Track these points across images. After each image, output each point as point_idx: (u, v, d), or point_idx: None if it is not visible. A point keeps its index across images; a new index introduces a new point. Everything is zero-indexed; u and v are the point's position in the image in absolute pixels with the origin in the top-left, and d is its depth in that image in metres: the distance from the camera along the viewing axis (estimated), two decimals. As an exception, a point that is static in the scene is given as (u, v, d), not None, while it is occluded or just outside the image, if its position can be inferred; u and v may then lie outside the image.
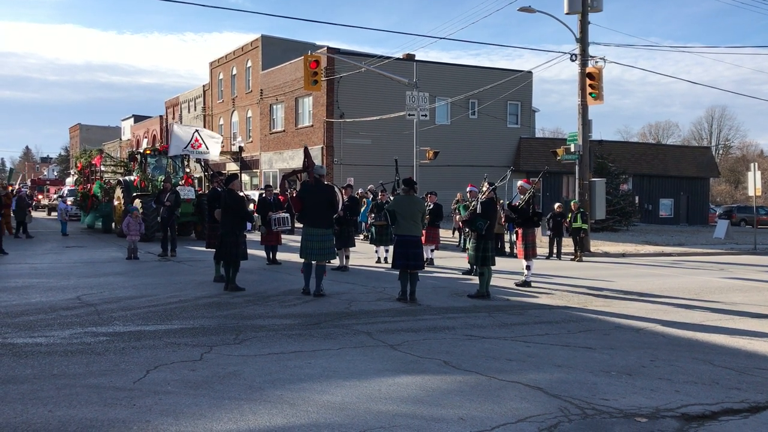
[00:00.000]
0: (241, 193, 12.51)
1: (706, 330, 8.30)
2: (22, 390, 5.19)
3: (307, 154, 11.00)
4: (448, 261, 16.44)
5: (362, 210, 20.36)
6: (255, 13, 54.61)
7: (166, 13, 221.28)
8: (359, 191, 22.18)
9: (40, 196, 46.31)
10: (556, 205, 19.26)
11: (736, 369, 6.36)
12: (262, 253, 14.99)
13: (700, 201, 44.20)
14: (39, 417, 4.59)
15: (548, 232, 18.95)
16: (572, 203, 19.66)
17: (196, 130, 22.15)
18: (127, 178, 23.33)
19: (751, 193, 24.98)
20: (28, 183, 49.66)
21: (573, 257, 18.43)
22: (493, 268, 10.82)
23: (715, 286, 13.09)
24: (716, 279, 14.39)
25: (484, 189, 11.37)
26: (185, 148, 21.45)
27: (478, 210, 10.72)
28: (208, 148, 21.63)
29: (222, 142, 23.41)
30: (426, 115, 27.24)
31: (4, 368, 5.83)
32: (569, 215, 19.07)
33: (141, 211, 20.05)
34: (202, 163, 19.51)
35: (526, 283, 12.06)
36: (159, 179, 21.80)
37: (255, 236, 17.52)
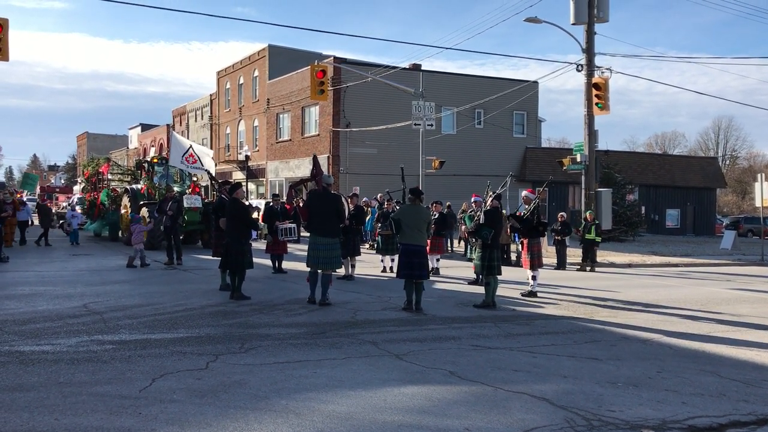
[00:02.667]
0: (246, 202, 12.54)
1: (713, 341, 8.26)
2: (28, 398, 5.21)
3: (315, 163, 11.05)
4: (454, 270, 16.41)
5: (367, 219, 20.38)
6: (261, 23, 54.98)
7: (172, 23, 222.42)
8: (363, 200, 22.21)
9: (49, 204, 46.37)
10: (559, 214, 19.23)
11: (744, 381, 6.33)
12: (268, 262, 15.01)
13: (706, 211, 44.06)
14: (45, 425, 4.60)
15: (553, 243, 18.91)
16: (588, 213, 19.56)
17: (191, 145, 22.19)
18: (134, 186, 23.43)
19: (758, 203, 24.88)
20: (38, 191, 49.76)
21: (579, 267, 18.37)
22: (499, 277, 10.81)
23: (722, 297, 13.03)
24: (723, 290, 14.32)
25: (488, 199, 11.37)
26: (181, 159, 21.48)
27: (482, 220, 10.72)
28: (203, 164, 21.67)
29: (212, 156, 23.50)
30: (432, 125, 27.29)
31: (10, 376, 5.85)
32: (582, 225, 19.00)
33: (148, 220, 20.14)
34: (209, 173, 19.62)
35: (532, 293, 12.03)
36: (166, 188, 21.87)
37: (261, 245, 17.55)
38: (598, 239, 18.79)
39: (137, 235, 15.70)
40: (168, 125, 60.95)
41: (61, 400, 5.15)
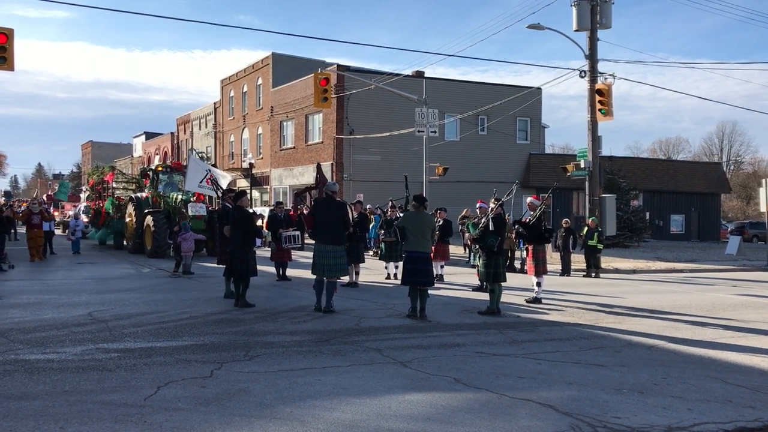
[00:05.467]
0: (250, 210, 12.54)
1: (718, 347, 8.23)
2: (34, 406, 5.23)
3: (319, 171, 11.08)
4: (458, 277, 16.40)
5: (371, 226, 20.36)
6: (263, 31, 55.24)
7: (175, 31, 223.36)
8: (367, 207, 22.22)
9: (55, 213, 46.43)
10: (564, 220, 19.20)
11: (750, 387, 6.30)
12: (272, 270, 15.03)
13: (711, 217, 43.94)
14: (51, 433, 4.62)
15: (556, 249, 18.86)
16: (591, 220, 19.51)
17: (209, 170, 21.56)
18: (138, 194, 23.50)
19: (763, 209, 24.80)
20: (44, 198, 49.84)
21: (585, 274, 18.32)
22: (503, 284, 10.80)
23: (728, 302, 12.99)
24: (728, 296, 14.27)
25: (492, 205, 11.35)
26: (200, 183, 21.05)
27: (490, 227, 10.66)
28: (218, 188, 21.47)
29: (228, 182, 22.87)
30: (435, 132, 27.31)
31: (16, 384, 5.87)
32: (585, 230, 18.96)
33: (153, 228, 20.17)
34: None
35: (536, 300, 12.01)
36: (171, 196, 21.84)
37: (265, 252, 17.57)
38: (600, 246, 18.74)
39: (189, 243, 15.85)
40: (172, 133, 61.19)
41: (67, 409, 5.16)
